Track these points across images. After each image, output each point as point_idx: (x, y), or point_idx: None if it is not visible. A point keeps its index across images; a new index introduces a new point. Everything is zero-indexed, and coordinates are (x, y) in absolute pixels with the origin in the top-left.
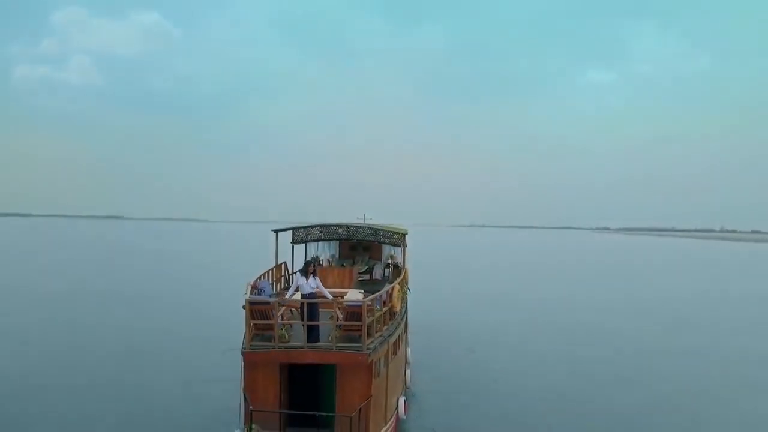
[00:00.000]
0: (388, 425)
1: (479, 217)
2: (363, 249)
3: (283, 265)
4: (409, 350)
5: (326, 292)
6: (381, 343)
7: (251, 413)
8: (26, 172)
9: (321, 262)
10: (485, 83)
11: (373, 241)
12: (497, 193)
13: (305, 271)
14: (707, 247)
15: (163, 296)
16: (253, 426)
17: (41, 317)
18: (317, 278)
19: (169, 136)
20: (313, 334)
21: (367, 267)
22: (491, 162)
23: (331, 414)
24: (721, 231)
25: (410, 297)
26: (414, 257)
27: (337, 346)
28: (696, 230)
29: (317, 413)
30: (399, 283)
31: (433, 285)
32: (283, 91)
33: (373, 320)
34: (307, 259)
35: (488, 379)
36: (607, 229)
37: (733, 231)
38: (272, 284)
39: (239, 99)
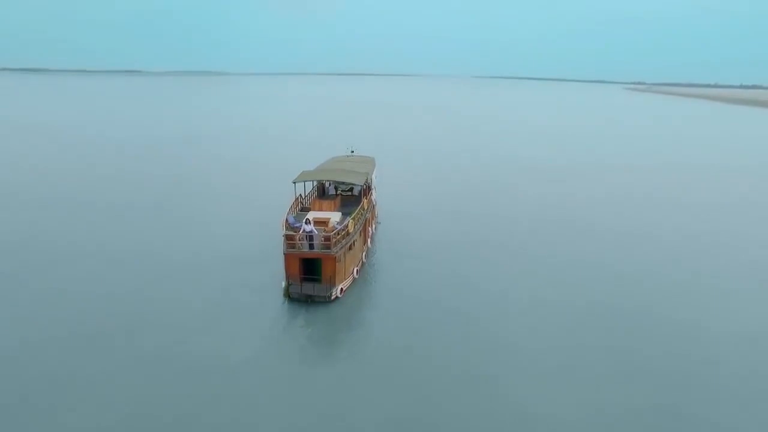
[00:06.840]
0: (346, 281)
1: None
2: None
3: (299, 197)
4: (369, 240)
5: (315, 231)
6: (340, 248)
7: (288, 277)
8: (43, 26)
9: (324, 183)
10: None
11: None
12: (527, 44)
13: (306, 221)
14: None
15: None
16: (290, 281)
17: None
18: (311, 224)
19: None
20: (311, 246)
21: (351, 186)
22: (521, 10)
23: (319, 278)
24: None
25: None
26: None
27: (321, 251)
28: (740, 86)
29: (314, 277)
30: (353, 218)
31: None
32: None
33: (337, 239)
34: (316, 185)
35: (431, 257)
36: (642, 83)
37: None
38: (294, 211)
39: None
